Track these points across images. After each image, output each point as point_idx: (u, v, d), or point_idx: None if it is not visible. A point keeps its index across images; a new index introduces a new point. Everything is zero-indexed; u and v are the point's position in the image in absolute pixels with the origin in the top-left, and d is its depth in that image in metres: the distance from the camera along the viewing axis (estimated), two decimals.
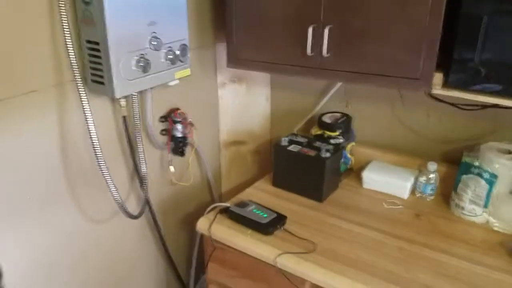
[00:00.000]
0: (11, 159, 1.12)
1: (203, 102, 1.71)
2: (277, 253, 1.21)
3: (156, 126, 1.50)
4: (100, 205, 1.38)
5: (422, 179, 1.46)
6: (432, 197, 1.47)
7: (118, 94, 1.18)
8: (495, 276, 1.13)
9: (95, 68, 1.18)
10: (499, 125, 1.42)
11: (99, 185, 1.31)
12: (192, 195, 1.79)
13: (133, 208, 1.49)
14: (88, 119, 1.17)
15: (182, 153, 1.59)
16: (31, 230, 1.21)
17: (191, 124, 1.58)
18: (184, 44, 1.34)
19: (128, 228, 1.52)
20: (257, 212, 1.34)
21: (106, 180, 1.24)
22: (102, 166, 1.22)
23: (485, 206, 1.32)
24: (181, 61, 1.35)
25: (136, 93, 1.31)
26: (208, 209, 1.42)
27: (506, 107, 1.19)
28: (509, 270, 1.14)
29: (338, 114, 1.64)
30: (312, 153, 1.46)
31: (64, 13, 1.08)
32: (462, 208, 1.36)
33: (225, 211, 1.38)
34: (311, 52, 1.31)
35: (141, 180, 1.44)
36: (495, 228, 1.31)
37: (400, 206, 1.44)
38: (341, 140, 1.56)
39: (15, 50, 1.06)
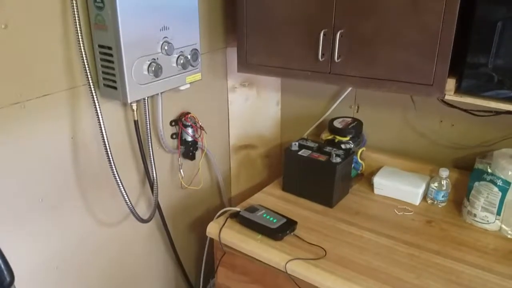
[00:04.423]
0: (24, 161, 1.13)
1: (214, 106, 1.72)
2: (287, 258, 1.21)
3: (167, 130, 1.51)
4: (110, 208, 1.39)
5: (434, 185, 1.45)
6: (444, 204, 1.46)
7: (130, 98, 1.19)
8: (508, 285, 1.11)
9: (107, 73, 1.19)
10: None
11: (110, 188, 1.32)
12: (202, 199, 1.79)
13: (143, 211, 1.50)
14: (100, 123, 1.18)
15: (192, 157, 1.60)
16: (42, 232, 1.22)
17: (202, 128, 1.59)
18: (196, 49, 1.35)
19: (138, 231, 1.53)
20: (267, 217, 1.34)
21: (117, 184, 1.25)
22: (113, 170, 1.23)
23: (498, 213, 1.30)
24: (192, 66, 1.35)
25: (147, 97, 1.32)
26: (218, 213, 1.42)
27: None
28: None
29: (349, 119, 1.64)
30: (322, 158, 1.45)
31: (77, 18, 1.09)
32: (474, 215, 1.34)
33: (235, 216, 1.38)
34: (322, 57, 1.31)
35: (152, 184, 1.45)
36: (508, 236, 1.29)
37: (412, 213, 1.43)
38: (351, 145, 1.55)
39: (29, 54, 1.08)
